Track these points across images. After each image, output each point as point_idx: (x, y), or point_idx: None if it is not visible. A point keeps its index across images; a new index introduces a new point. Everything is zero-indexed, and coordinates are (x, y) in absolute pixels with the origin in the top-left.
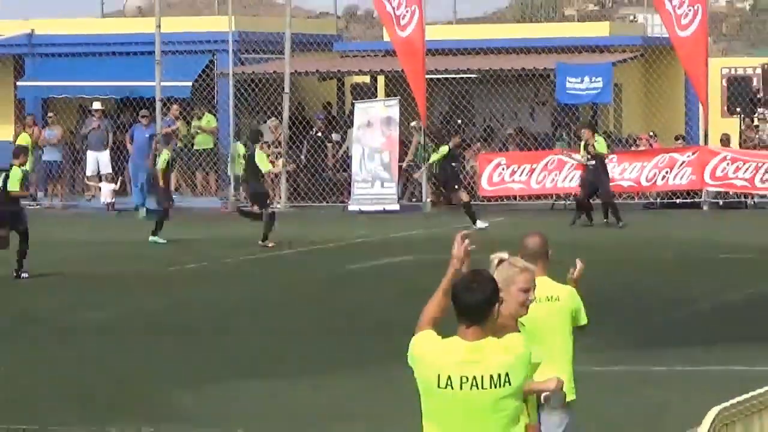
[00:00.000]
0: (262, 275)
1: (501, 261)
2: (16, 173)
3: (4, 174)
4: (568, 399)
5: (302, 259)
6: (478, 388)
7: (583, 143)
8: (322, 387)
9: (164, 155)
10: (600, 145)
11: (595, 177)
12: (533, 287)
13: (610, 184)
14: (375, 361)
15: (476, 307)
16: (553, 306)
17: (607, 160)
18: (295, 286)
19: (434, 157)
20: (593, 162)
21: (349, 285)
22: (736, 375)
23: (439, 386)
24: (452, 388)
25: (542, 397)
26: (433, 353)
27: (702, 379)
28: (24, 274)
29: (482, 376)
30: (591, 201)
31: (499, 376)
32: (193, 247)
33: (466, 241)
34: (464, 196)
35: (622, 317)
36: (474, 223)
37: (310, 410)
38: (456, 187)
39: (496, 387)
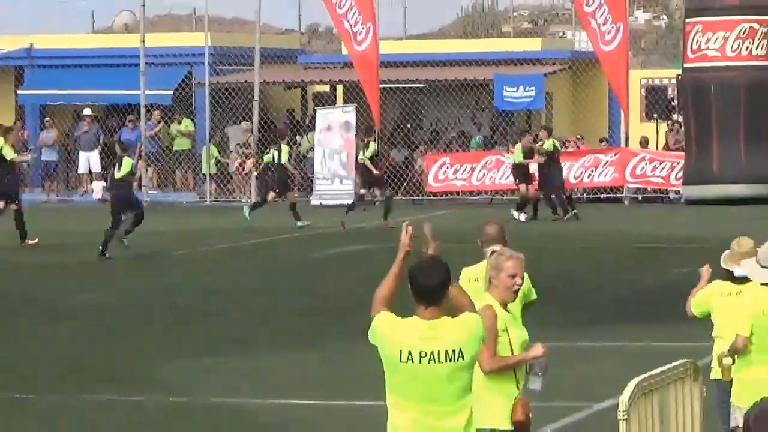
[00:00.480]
0: (237, 262)
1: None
2: (127, 162)
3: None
4: None
5: (271, 247)
6: (435, 362)
7: (538, 144)
8: (290, 360)
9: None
10: (548, 144)
11: (548, 173)
12: (521, 273)
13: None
14: (336, 339)
15: (433, 289)
16: None
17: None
18: (266, 271)
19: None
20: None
21: (311, 271)
22: (655, 350)
23: (401, 361)
24: (413, 362)
25: (527, 365)
26: (394, 332)
27: (625, 354)
28: (123, 246)
29: (439, 351)
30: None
31: (454, 351)
32: (175, 237)
33: (410, 228)
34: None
35: (558, 300)
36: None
37: (281, 381)
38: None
39: (451, 361)
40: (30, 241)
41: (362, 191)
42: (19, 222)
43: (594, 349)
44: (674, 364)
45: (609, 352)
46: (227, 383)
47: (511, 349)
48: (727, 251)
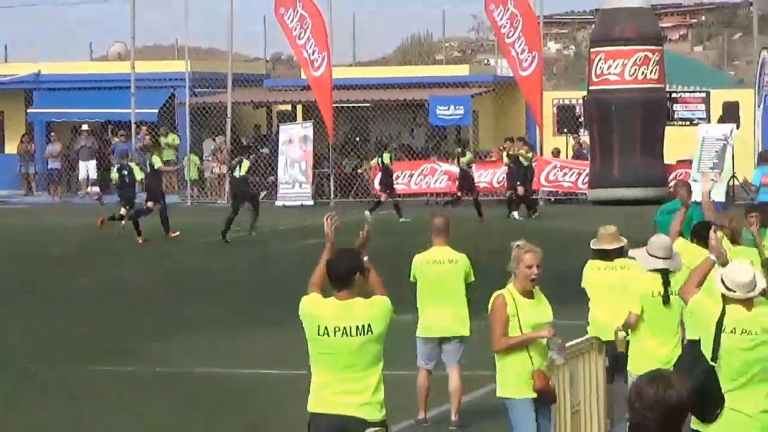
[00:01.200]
0: (212, 254)
1: (516, 246)
2: (246, 163)
3: (235, 165)
4: (457, 334)
5: (242, 242)
6: (347, 336)
7: (505, 152)
8: (261, 338)
9: (113, 173)
10: (530, 153)
11: (519, 176)
12: (538, 264)
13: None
14: (294, 319)
15: (343, 275)
16: (453, 267)
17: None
18: (236, 262)
19: None
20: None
21: (275, 261)
22: (564, 327)
23: (319, 334)
24: (328, 336)
25: (549, 343)
26: (315, 310)
27: None
28: (253, 233)
29: (351, 327)
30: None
31: (364, 326)
32: (160, 233)
33: (330, 219)
34: None
35: (490, 284)
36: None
37: (253, 354)
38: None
39: (361, 334)
40: (172, 234)
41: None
42: (163, 218)
43: None
44: (581, 339)
45: None
46: (206, 356)
47: (521, 330)
48: (595, 239)
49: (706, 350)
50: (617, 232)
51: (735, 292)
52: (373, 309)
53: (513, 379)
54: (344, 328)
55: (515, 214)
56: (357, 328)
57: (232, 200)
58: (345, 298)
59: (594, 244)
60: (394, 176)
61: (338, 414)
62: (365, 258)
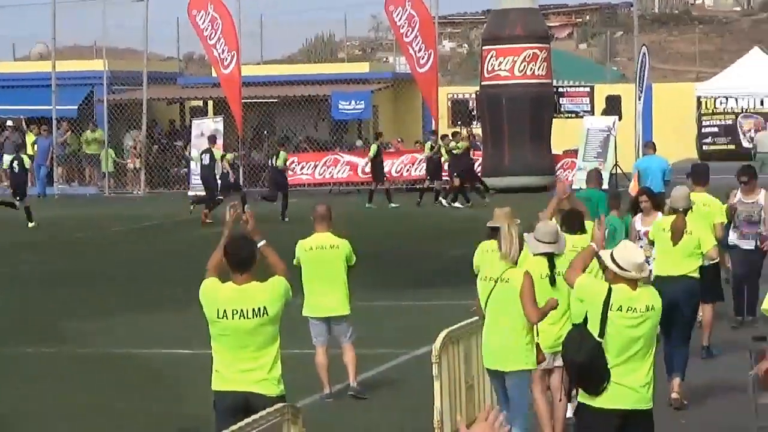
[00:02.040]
0: (132, 241)
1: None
2: (283, 155)
3: (273, 156)
4: (340, 313)
5: (157, 230)
6: (244, 318)
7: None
8: (171, 319)
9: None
10: (461, 144)
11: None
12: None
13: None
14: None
15: (243, 260)
16: (335, 252)
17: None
18: (151, 249)
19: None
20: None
21: (189, 247)
22: (459, 307)
23: (218, 317)
24: (227, 318)
25: None
26: (214, 293)
27: (436, 311)
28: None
29: (247, 309)
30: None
31: (260, 309)
32: (80, 221)
33: (233, 210)
34: None
35: (384, 267)
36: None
37: (167, 335)
38: None
39: (257, 317)
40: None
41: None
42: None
43: (412, 306)
44: (475, 318)
45: (423, 309)
46: (126, 337)
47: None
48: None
49: (594, 328)
50: (511, 212)
51: (628, 271)
52: (268, 291)
53: (525, 354)
54: (241, 310)
55: (443, 201)
56: (253, 310)
57: (270, 188)
58: (242, 282)
59: (490, 224)
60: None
61: (239, 390)
62: (263, 242)
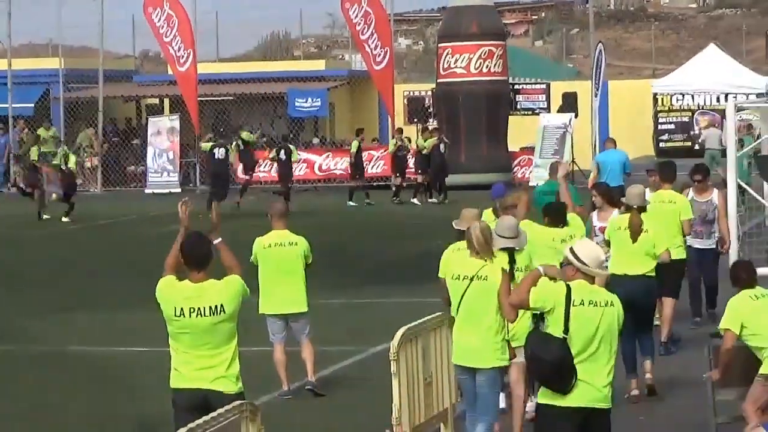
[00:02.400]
0: (87, 238)
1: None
2: (294, 151)
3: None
4: (298, 310)
5: (114, 227)
6: (201, 316)
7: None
8: (127, 317)
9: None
10: (428, 142)
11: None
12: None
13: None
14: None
15: (200, 258)
16: (293, 249)
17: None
18: (109, 246)
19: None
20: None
21: (146, 244)
22: (417, 304)
23: (175, 315)
24: (184, 316)
25: None
26: (170, 292)
27: (393, 308)
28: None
29: (204, 307)
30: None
31: (217, 306)
32: (35, 219)
33: (184, 206)
34: None
35: (340, 265)
36: None
37: (120, 332)
38: None
39: (214, 315)
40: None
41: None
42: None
43: (369, 304)
44: (433, 315)
45: (381, 306)
46: (80, 335)
47: None
48: (457, 220)
49: (556, 327)
50: (478, 214)
51: (590, 267)
52: (225, 289)
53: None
54: (198, 308)
55: (414, 200)
56: (210, 308)
57: (281, 181)
58: (200, 280)
59: (457, 225)
60: (260, 163)
61: (197, 388)
62: (219, 239)
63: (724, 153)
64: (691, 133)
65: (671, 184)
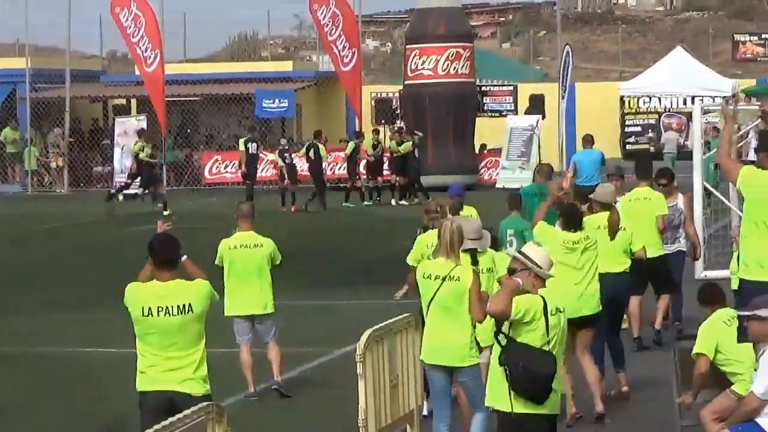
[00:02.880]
0: (53, 239)
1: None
2: (323, 148)
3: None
4: (264, 312)
5: (82, 227)
6: (169, 315)
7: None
8: (97, 317)
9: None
10: (404, 146)
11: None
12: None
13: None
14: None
15: (168, 258)
16: (258, 250)
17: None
18: (75, 247)
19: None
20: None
21: (112, 245)
22: (382, 306)
23: (143, 315)
24: (152, 315)
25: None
26: (138, 292)
27: (360, 309)
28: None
29: (172, 306)
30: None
31: (185, 305)
32: (6, 220)
33: (164, 224)
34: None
35: (307, 268)
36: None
37: (90, 333)
38: None
39: (182, 314)
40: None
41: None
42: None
43: (337, 305)
44: (400, 317)
45: (348, 308)
46: (51, 337)
47: None
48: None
49: (535, 335)
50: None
51: (543, 269)
52: (193, 289)
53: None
54: (166, 307)
55: (393, 201)
56: (178, 307)
57: (315, 180)
58: (167, 280)
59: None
60: (227, 164)
61: (164, 389)
62: (184, 257)
63: (683, 156)
64: (649, 135)
65: (648, 181)
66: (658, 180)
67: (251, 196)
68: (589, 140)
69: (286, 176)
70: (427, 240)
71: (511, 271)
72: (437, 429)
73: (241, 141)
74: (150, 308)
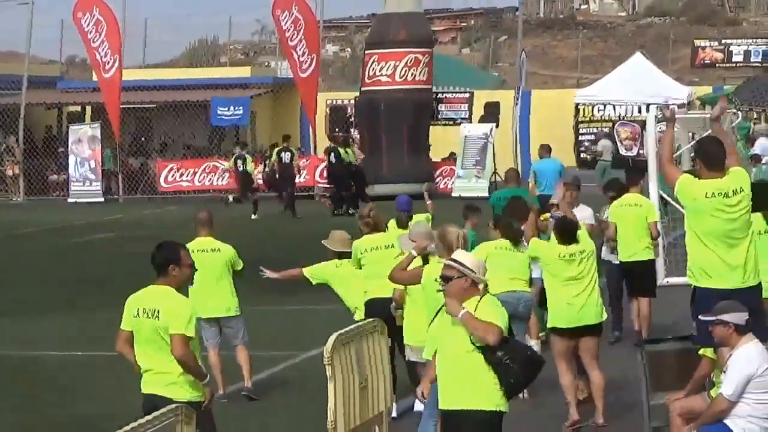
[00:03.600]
0: (16, 246)
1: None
2: (351, 152)
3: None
4: (228, 314)
5: (42, 236)
6: (148, 318)
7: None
8: (58, 321)
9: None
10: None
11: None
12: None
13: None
14: (89, 303)
15: (158, 265)
16: (216, 255)
17: None
18: (33, 254)
19: None
20: None
21: (70, 253)
22: (349, 311)
23: (134, 316)
24: (138, 316)
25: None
26: (134, 296)
27: (328, 313)
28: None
29: (149, 310)
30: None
31: (154, 310)
32: None
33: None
34: None
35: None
36: None
37: (52, 337)
38: None
39: (152, 318)
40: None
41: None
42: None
43: (302, 310)
44: (365, 321)
45: (316, 312)
46: (13, 340)
47: None
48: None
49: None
50: (348, 237)
51: (477, 273)
52: (165, 299)
53: None
54: (146, 310)
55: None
56: (152, 311)
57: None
58: (158, 284)
59: (328, 244)
60: (183, 172)
61: (150, 393)
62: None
63: (613, 164)
64: (584, 146)
65: (637, 187)
66: (607, 192)
67: (291, 205)
68: (547, 149)
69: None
70: (360, 245)
71: (446, 279)
72: (426, 428)
73: (232, 159)
74: (138, 309)
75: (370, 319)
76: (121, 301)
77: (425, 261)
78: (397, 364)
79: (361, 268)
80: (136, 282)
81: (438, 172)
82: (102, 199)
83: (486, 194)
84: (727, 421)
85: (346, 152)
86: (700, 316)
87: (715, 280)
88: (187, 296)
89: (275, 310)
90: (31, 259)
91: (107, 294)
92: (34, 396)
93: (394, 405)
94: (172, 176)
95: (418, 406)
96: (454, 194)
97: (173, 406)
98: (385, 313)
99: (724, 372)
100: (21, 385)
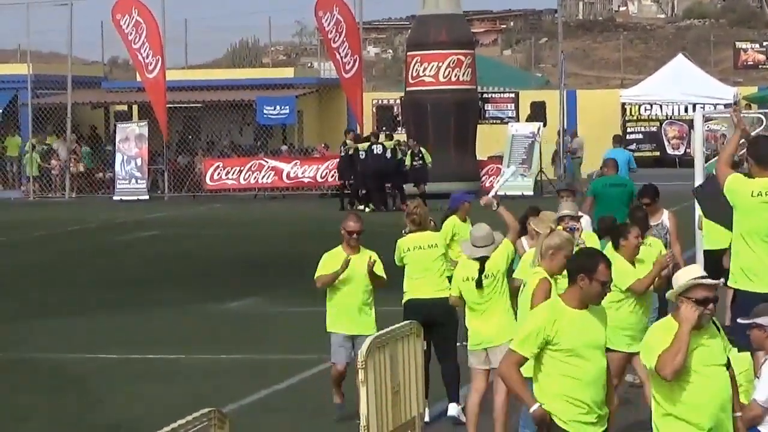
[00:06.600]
0: (58, 245)
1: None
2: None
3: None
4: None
5: (86, 233)
6: None
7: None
8: (89, 323)
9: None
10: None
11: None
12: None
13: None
14: (127, 304)
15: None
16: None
17: None
18: (75, 253)
19: None
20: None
21: (113, 252)
22: (381, 313)
23: None
24: None
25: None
26: None
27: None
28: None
29: None
30: None
31: None
32: (7, 226)
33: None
34: None
35: (281, 276)
36: None
37: (90, 339)
38: None
39: None
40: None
41: None
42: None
43: (299, 313)
44: (401, 324)
45: (308, 315)
46: (42, 342)
47: None
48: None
49: None
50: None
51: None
52: None
53: None
54: None
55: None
56: None
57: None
58: None
59: (535, 226)
60: (228, 171)
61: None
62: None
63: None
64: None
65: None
66: (641, 199)
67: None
68: (617, 139)
69: None
70: (403, 244)
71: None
72: None
73: (363, 144)
74: None
75: (407, 322)
76: (154, 302)
77: (482, 267)
78: (431, 367)
79: (403, 267)
80: (174, 284)
81: (484, 171)
82: (147, 197)
83: (531, 192)
84: (761, 428)
85: (419, 152)
86: (738, 320)
87: (756, 284)
88: None
89: (313, 312)
90: (73, 257)
91: (141, 295)
92: (59, 400)
93: (427, 410)
94: (218, 174)
95: (452, 411)
96: (500, 192)
97: (206, 410)
98: (422, 315)
99: (758, 377)
100: (47, 388)
